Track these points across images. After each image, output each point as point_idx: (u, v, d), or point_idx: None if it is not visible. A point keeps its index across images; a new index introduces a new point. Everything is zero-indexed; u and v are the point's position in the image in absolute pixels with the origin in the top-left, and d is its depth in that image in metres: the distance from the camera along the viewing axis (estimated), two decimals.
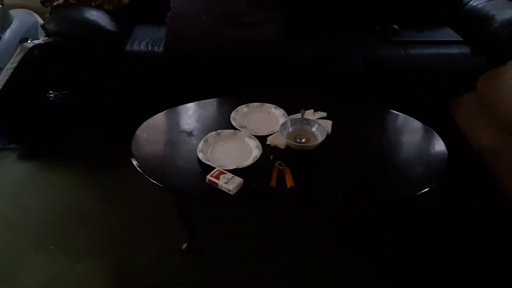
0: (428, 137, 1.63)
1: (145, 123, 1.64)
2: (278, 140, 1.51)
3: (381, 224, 1.92)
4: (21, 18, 2.66)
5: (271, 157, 1.42)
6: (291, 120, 1.56)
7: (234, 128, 1.59)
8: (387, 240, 1.85)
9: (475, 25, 2.30)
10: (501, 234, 1.86)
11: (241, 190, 1.31)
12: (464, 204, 2.02)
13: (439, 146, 1.55)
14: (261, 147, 1.47)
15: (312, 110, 1.68)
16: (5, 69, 2.14)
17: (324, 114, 1.67)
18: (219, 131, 1.55)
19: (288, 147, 1.49)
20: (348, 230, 1.91)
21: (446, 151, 1.51)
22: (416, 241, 1.84)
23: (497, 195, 1.85)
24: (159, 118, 1.70)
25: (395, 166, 1.53)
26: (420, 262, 1.75)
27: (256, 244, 1.82)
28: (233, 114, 1.66)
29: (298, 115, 1.58)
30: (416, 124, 1.69)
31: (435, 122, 1.68)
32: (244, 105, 1.72)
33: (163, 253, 1.76)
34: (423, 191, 1.35)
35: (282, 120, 1.62)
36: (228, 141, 1.53)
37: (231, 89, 1.93)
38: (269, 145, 1.50)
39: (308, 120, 1.56)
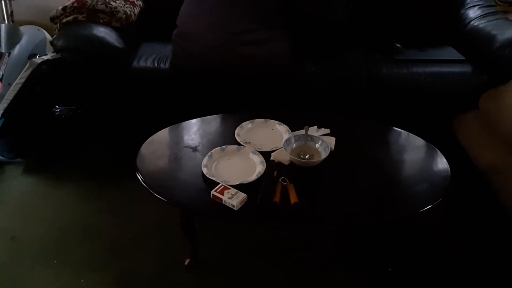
0: (431, 155, 1.64)
1: (150, 138, 1.66)
2: (282, 156, 1.52)
3: (384, 241, 1.91)
4: (30, 34, 2.70)
5: (275, 173, 1.43)
6: (295, 137, 1.58)
7: (239, 144, 1.60)
8: (390, 258, 1.84)
9: (477, 45, 2.33)
10: (503, 252, 1.85)
11: (245, 205, 1.32)
12: (467, 222, 2.01)
13: (442, 163, 1.55)
14: (265, 163, 1.48)
15: (316, 126, 1.70)
16: (14, 84, 2.17)
17: (327, 130, 1.69)
18: (224, 146, 1.57)
19: (292, 163, 1.50)
20: (350, 247, 1.90)
21: (448, 168, 1.51)
22: (419, 259, 1.83)
23: (500, 213, 1.85)
24: (165, 133, 1.72)
25: (398, 183, 1.54)
26: (422, 280, 1.74)
27: (259, 260, 1.82)
28: (237, 130, 1.68)
29: (302, 132, 1.59)
30: (419, 141, 1.70)
31: (437, 140, 1.69)
32: (248, 121, 1.74)
33: (166, 267, 1.76)
34: (426, 208, 1.35)
35: (286, 136, 1.64)
36: (233, 156, 1.55)
37: (235, 106, 1.95)
38: (273, 161, 1.51)
39: (311, 137, 1.57)
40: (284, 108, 2.19)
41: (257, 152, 1.54)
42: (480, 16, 2.44)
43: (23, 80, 2.16)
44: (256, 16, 2.26)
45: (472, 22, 2.45)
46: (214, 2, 2.27)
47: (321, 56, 2.34)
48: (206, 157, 1.51)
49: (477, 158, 2.02)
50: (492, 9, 2.45)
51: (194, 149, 1.60)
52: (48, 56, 2.24)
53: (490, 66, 2.23)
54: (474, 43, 2.36)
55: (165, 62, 2.27)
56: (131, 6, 2.47)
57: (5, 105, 2.15)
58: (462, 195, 2.07)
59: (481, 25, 2.38)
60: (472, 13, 2.49)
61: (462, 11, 2.56)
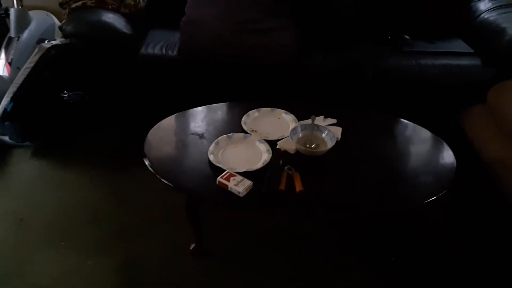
0: (437, 146, 1.64)
1: (158, 125, 1.67)
2: (288, 145, 1.53)
3: (388, 231, 1.93)
4: (39, 19, 2.72)
5: (281, 161, 1.44)
6: (301, 126, 1.59)
7: (245, 132, 1.61)
8: (394, 248, 1.85)
9: (486, 38, 2.31)
10: (508, 246, 1.85)
11: (251, 192, 1.33)
12: (472, 215, 2.02)
13: (448, 155, 1.56)
14: (271, 151, 1.49)
15: (323, 116, 1.70)
16: (23, 68, 2.19)
17: (334, 120, 1.69)
18: (230, 134, 1.57)
19: (297, 152, 1.51)
20: (354, 236, 1.92)
21: (454, 160, 1.52)
22: (422, 250, 1.84)
23: (505, 207, 1.85)
24: (172, 120, 1.73)
25: (403, 174, 1.54)
26: (425, 270, 1.75)
27: (264, 247, 1.84)
28: (244, 118, 1.69)
29: (309, 121, 1.60)
30: (425, 133, 1.70)
31: (444, 133, 1.69)
32: (255, 110, 1.74)
33: (171, 253, 1.79)
34: (430, 199, 1.36)
35: (292, 125, 1.64)
36: (239, 144, 1.56)
37: (242, 95, 1.96)
38: (279, 149, 1.52)
39: (318, 126, 1.58)
40: (290, 98, 2.20)
41: (264, 141, 1.55)
42: (490, 8, 2.42)
43: (32, 64, 2.18)
44: (264, 5, 2.25)
45: (482, 15, 2.43)
46: None
47: (328, 47, 2.34)
48: (213, 144, 1.52)
49: (483, 151, 2.02)
50: (503, 2, 2.43)
51: (201, 136, 1.62)
52: (57, 41, 2.26)
53: (500, 59, 2.21)
54: (484, 36, 2.34)
55: (173, 49, 2.27)
56: None
57: (14, 89, 2.17)
58: (467, 187, 2.07)
59: (491, 18, 2.36)
60: (483, 5, 2.47)
61: (473, 3, 2.54)
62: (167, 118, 1.72)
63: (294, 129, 1.56)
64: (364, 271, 1.75)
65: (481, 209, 2.05)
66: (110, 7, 2.33)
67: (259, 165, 1.43)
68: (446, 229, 1.95)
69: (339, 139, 1.57)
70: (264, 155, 1.49)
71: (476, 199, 2.10)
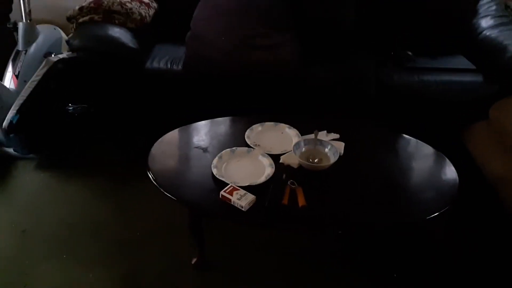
0: (439, 163, 1.64)
1: (162, 138, 1.69)
2: (291, 160, 1.54)
3: (390, 247, 1.92)
4: (47, 33, 2.76)
5: (284, 175, 1.45)
6: (304, 140, 1.60)
7: (249, 146, 1.62)
8: (396, 263, 1.85)
9: (489, 54, 2.33)
10: (508, 262, 1.84)
11: (253, 206, 1.34)
12: (474, 232, 2.01)
13: (450, 171, 1.56)
14: (274, 166, 1.50)
15: (326, 131, 1.71)
16: (29, 81, 2.22)
17: (337, 135, 1.70)
18: (234, 148, 1.59)
19: (300, 166, 1.51)
20: (356, 251, 1.91)
21: (457, 176, 1.52)
22: (424, 267, 1.83)
23: (508, 224, 1.85)
24: (176, 134, 1.74)
25: (405, 190, 1.54)
26: (426, 286, 1.74)
27: (265, 261, 1.83)
28: (247, 133, 1.70)
29: (312, 136, 1.61)
30: (428, 149, 1.70)
31: (447, 149, 1.69)
32: (258, 124, 1.76)
33: (173, 266, 1.78)
34: (432, 215, 1.36)
35: (295, 140, 1.65)
36: (242, 158, 1.57)
37: (246, 109, 1.97)
38: (282, 163, 1.53)
39: (321, 141, 1.59)
40: (293, 112, 2.21)
41: (267, 155, 1.56)
42: (492, 26, 2.44)
43: (39, 77, 2.20)
44: (268, 21, 2.28)
45: (484, 32, 2.45)
46: (227, 6, 2.30)
47: (330, 61, 2.36)
48: (216, 158, 1.53)
49: (485, 168, 2.02)
50: (505, 19, 2.46)
51: (204, 150, 1.63)
52: (64, 54, 2.29)
53: (502, 76, 2.23)
54: (486, 53, 2.36)
55: (178, 64, 2.30)
56: (146, 8, 2.50)
57: (21, 101, 2.19)
58: (469, 204, 2.07)
59: (493, 35, 2.38)
60: (485, 22, 2.49)
61: (475, 20, 2.56)
62: (171, 132, 1.74)
63: (297, 144, 1.57)
64: (366, 284, 1.74)
65: (483, 225, 2.04)
66: (116, 21, 2.37)
67: (262, 179, 1.44)
68: (448, 245, 1.94)
69: (342, 154, 1.58)
70: (267, 169, 1.49)
71: (479, 216, 2.09)
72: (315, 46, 2.38)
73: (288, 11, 2.34)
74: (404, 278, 1.77)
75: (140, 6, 2.47)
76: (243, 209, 1.32)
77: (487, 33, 2.43)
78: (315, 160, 1.53)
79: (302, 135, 1.69)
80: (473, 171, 2.04)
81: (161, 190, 1.41)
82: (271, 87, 2.24)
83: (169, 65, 2.30)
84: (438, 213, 1.36)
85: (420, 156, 1.74)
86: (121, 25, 2.37)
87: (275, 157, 1.55)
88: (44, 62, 2.23)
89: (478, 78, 2.29)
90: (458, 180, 1.50)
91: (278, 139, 1.69)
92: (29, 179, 2.28)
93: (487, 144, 2.13)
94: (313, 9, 2.39)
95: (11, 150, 2.36)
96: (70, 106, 2.58)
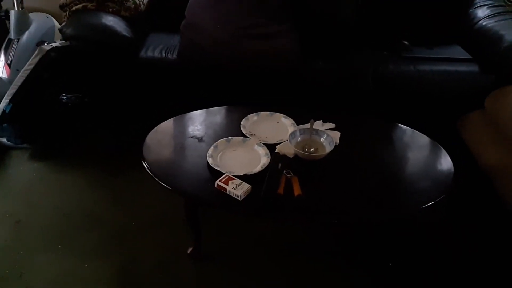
0: (435, 152, 1.65)
1: (156, 128, 1.68)
2: (287, 149, 1.53)
3: (385, 236, 1.93)
4: (39, 22, 2.72)
5: (280, 165, 1.44)
6: (300, 130, 1.59)
7: (244, 136, 1.62)
8: (390, 253, 1.86)
9: (485, 44, 2.33)
10: (505, 252, 1.86)
11: (249, 196, 1.33)
12: (469, 221, 2.02)
13: (446, 161, 1.56)
14: (269, 155, 1.49)
15: (321, 121, 1.71)
16: (22, 70, 2.19)
17: (333, 125, 1.70)
18: (229, 138, 1.58)
19: (296, 156, 1.51)
20: (351, 241, 1.92)
21: (452, 165, 1.52)
22: (419, 256, 1.84)
23: (503, 213, 1.86)
24: (171, 123, 1.73)
25: (401, 179, 1.54)
26: (422, 276, 1.75)
27: (261, 252, 1.84)
28: (243, 122, 1.69)
29: (307, 125, 1.60)
30: (423, 139, 1.70)
31: (442, 139, 1.70)
32: (254, 114, 1.75)
33: (169, 256, 1.78)
34: (428, 204, 1.36)
35: (291, 129, 1.64)
36: (238, 148, 1.56)
37: (242, 100, 1.96)
38: (277, 153, 1.52)
39: (317, 131, 1.58)
40: (290, 103, 2.20)
41: (262, 144, 1.55)
42: (488, 15, 2.43)
43: (31, 66, 2.18)
44: (265, 10, 2.26)
45: (480, 22, 2.44)
46: None
47: (328, 53, 2.35)
48: (212, 147, 1.52)
49: (481, 157, 2.03)
50: (501, 9, 2.44)
51: (200, 139, 1.62)
52: (57, 43, 2.26)
53: (498, 66, 2.22)
54: (482, 43, 2.36)
55: (173, 53, 2.28)
56: None
57: (14, 91, 2.17)
58: (465, 193, 2.08)
59: (489, 25, 2.37)
60: (481, 12, 2.48)
61: (471, 10, 2.55)
62: (166, 121, 1.73)
63: (293, 133, 1.57)
64: (361, 275, 1.75)
65: (478, 214, 2.06)
66: (110, 10, 2.34)
67: (257, 168, 1.44)
68: (444, 234, 1.95)
69: (337, 143, 1.57)
70: (262, 159, 1.49)
71: (474, 205, 2.10)
72: (314, 40, 2.36)
73: (286, 2, 2.32)
74: (399, 268, 1.78)
75: None
76: (238, 199, 1.32)
77: (483, 23, 2.42)
78: (311, 150, 1.52)
79: (298, 124, 1.68)
80: (468, 160, 2.05)
81: (156, 179, 1.40)
82: (267, 79, 2.22)
83: (163, 54, 2.28)
84: (433, 202, 1.36)
85: (415, 145, 1.74)
86: (115, 13, 2.35)
87: (271, 147, 1.54)
88: (37, 51, 2.20)
89: (474, 68, 2.28)
90: (453, 170, 1.50)
91: (273, 129, 1.69)
92: (22, 169, 2.26)
93: (482, 133, 2.13)
94: (313, 2, 2.37)
95: (4, 140, 2.35)
96: (63, 96, 2.57)
